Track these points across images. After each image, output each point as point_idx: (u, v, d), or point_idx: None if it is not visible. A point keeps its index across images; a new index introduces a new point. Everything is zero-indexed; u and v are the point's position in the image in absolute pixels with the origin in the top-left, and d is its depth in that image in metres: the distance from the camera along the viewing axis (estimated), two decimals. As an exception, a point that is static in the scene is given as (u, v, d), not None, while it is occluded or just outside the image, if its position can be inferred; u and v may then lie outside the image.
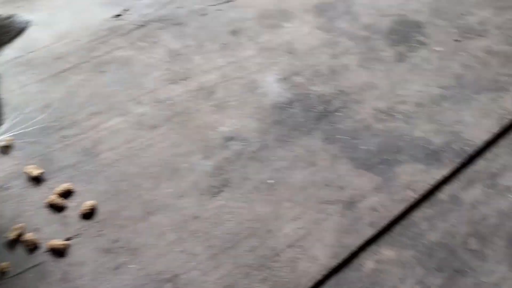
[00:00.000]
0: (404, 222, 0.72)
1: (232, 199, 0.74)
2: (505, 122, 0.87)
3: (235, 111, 0.87)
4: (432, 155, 0.81)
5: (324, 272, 0.66)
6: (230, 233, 0.70)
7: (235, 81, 0.92)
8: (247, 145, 0.81)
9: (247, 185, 0.76)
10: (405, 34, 1.04)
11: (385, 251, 0.69)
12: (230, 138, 0.82)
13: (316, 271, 0.66)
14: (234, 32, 1.02)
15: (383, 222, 0.72)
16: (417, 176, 0.78)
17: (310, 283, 0.65)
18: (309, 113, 0.87)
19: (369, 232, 0.71)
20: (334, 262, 0.67)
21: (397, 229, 0.72)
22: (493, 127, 0.86)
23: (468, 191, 0.77)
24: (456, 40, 1.03)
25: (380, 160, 0.80)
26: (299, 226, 0.71)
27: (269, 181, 0.76)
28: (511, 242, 0.71)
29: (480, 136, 0.84)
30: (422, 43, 1.02)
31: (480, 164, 0.81)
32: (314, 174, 0.78)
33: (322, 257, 0.68)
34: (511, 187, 0.78)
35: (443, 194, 0.76)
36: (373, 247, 0.69)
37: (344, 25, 1.05)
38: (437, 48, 1.01)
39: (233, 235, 0.69)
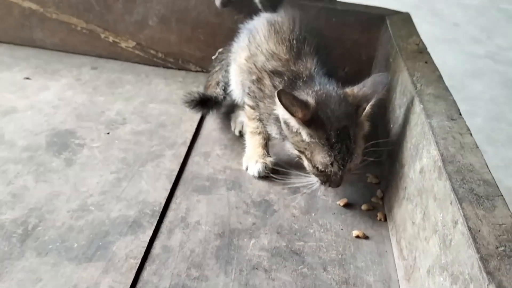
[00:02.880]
0: (140, 285, 0.84)
1: None
2: (173, 178, 1.09)
3: None
4: (134, 225, 0.96)
5: None
6: None
7: None
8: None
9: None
10: (63, 142, 1.16)
11: (136, 314, 0.79)
12: None
13: None
14: None
15: (123, 293, 0.82)
16: (131, 246, 0.91)
17: None
18: (11, 240, 0.89)
19: (117, 307, 0.79)
20: None
21: (137, 292, 0.83)
22: (167, 185, 1.07)
23: (172, 238, 0.94)
24: (107, 133, 1.22)
25: (96, 249, 0.90)
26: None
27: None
28: (217, 258, 0.91)
29: (161, 195, 1.04)
30: (81, 145, 1.17)
31: (171, 215, 1.00)
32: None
33: None
34: (199, 220, 0.99)
35: (156, 249, 0.92)
36: (126, 316, 0.79)
37: (3, 154, 1.10)
38: (95, 145, 1.18)
39: None
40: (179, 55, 1.54)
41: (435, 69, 1.08)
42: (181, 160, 1.16)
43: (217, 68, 1.35)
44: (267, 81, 1.11)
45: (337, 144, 0.96)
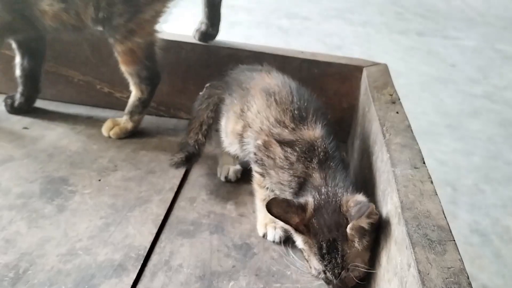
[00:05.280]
0: (121, 326, 0.89)
1: None
2: (159, 223, 1.15)
3: None
4: (119, 269, 1.01)
5: None
6: None
7: None
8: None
9: None
10: (56, 189, 1.23)
11: None
12: None
13: None
14: None
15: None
16: (115, 288, 0.96)
17: None
18: (3, 283, 0.95)
19: None
20: None
21: (118, 333, 0.88)
22: (152, 230, 1.13)
23: (155, 281, 1.00)
24: (98, 180, 1.28)
25: (81, 292, 0.95)
26: None
27: None
28: (197, 299, 0.96)
29: (146, 239, 1.10)
30: (73, 191, 1.23)
31: (155, 258, 1.06)
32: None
33: None
34: (181, 263, 1.05)
35: (139, 292, 0.97)
36: None
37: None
38: (86, 191, 1.24)
39: None
40: (171, 104, 1.62)
41: (405, 118, 1.15)
42: (167, 205, 1.22)
43: (203, 106, 1.34)
44: (276, 149, 1.08)
45: (327, 256, 0.93)
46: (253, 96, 1.18)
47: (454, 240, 0.77)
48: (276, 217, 0.96)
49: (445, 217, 0.82)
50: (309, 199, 0.98)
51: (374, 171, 1.08)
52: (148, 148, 1.45)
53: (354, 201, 0.95)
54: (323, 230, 0.94)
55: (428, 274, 0.70)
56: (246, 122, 1.17)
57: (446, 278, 0.69)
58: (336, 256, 0.92)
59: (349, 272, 0.94)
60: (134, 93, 1.45)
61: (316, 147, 1.06)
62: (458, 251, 0.75)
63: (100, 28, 1.36)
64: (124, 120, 1.48)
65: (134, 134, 1.50)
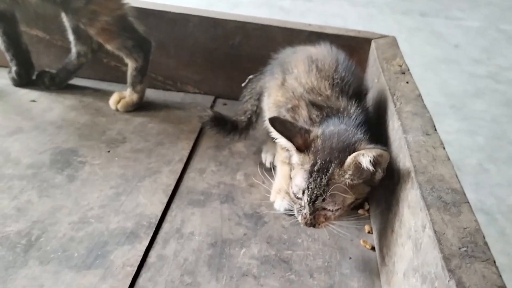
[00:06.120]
0: (135, 291, 0.90)
1: None
2: (169, 192, 1.15)
3: None
4: (131, 236, 1.02)
5: None
6: None
7: None
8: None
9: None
10: (66, 160, 1.23)
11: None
12: None
13: None
14: None
15: (120, 298, 0.87)
16: (128, 255, 0.97)
17: None
18: (16, 250, 0.95)
19: (113, 311, 0.85)
20: None
21: (132, 297, 0.88)
22: (163, 199, 1.13)
23: (167, 247, 1.00)
24: (107, 152, 1.28)
25: (94, 257, 0.96)
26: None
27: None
28: (209, 265, 0.97)
29: (157, 208, 1.10)
30: (83, 162, 1.23)
31: (166, 226, 1.06)
32: (46, 292, 0.87)
33: None
34: (193, 231, 1.05)
35: (152, 258, 0.97)
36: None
37: (9, 171, 1.16)
38: (96, 162, 1.24)
39: None
40: (178, 78, 1.62)
41: (415, 88, 1.15)
42: (177, 175, 1.22)
43: (247, 98, 1.36)
44: (303, 111, 1.08)
45: (315, 173, 0.92)
46: (295, 65, 1.16)
47: (469, 202, 0.77)
48: (279, 132, 0.95)
49: (458, 181, 0.82)
50: (318, 129, 0.99)
51: (385, 140, 1.08)
52: (155, 121, 1.45)
53: (371, 146, 0.93)
54: (324, 150, 0.93)
55: (444, 234, 0.70)
56: (287, 88, 1.14)
57: (463, 238, 0.69)
58: (323, 176, 0.91)
59: (324, 204, 0.92)
60: (130, 64, 1.45)
61: (341, 113, 1.05)
62: (473, 212, 0.75)
63: (62, 11, 1.36)
64: (128, 93, 1.47)
65: (142, 107, 1.50)
